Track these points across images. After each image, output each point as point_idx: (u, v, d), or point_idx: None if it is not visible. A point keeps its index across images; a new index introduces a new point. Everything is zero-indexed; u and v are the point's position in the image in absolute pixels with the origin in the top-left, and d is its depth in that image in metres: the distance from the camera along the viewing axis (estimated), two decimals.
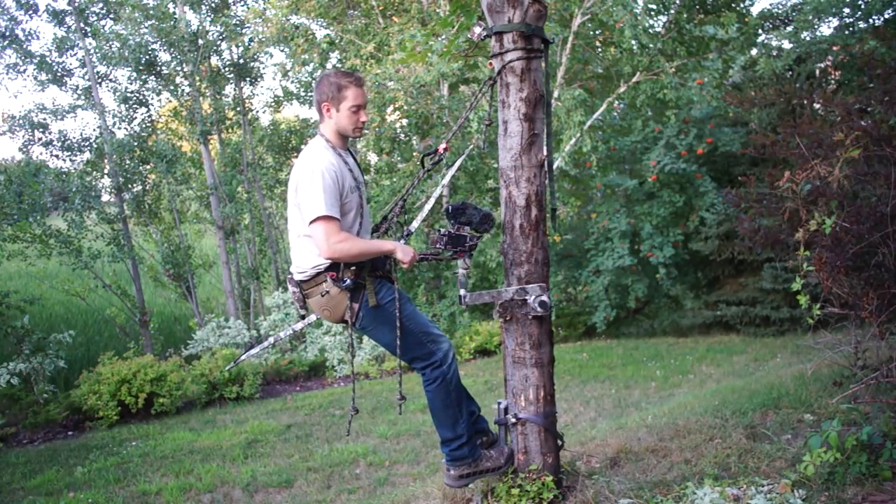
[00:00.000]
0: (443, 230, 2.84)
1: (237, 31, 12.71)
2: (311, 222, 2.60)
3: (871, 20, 9.95)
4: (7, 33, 11.72)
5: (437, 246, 2.82)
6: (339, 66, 12.91)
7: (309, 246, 2.74)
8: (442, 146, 2.96)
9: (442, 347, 2.85)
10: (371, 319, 2.79)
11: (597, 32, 10.74)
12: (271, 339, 3.21)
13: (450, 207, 2.86)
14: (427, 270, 11.37)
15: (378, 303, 2.76)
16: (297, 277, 2.82)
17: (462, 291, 2.77)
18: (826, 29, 14.90)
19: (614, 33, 9.46)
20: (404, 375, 10.75)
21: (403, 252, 2.70)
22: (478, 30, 2.88)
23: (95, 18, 12.51)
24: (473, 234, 2.87)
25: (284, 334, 3.23)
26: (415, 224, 3.22)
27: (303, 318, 3.00)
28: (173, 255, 12.98)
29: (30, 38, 12.03)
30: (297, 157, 14.95)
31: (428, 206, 3.31)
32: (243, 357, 3.34)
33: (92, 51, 12.25)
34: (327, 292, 2.74)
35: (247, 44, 13.12)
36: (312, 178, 2.61)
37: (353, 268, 2.71)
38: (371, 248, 2.71)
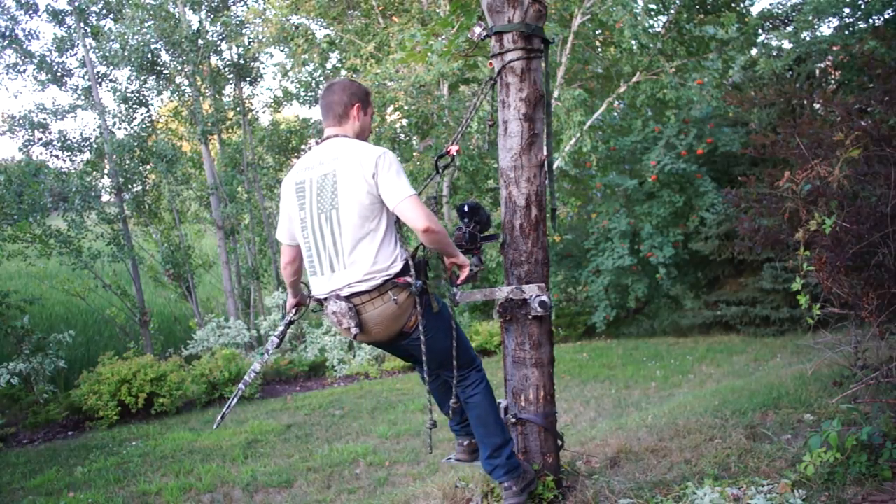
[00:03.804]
0: (463, 228, 2.83)
1: (237, 32, 12.71)
2: (404, 200, 2.43)
3: (871, 20, 9.95)
4: (7, 33, 11.71)
5: (462, 243, 2.81)
6: (339, 66, 12.91)
7: (381, 244, 2.50)
8: (454, 148, 2.92)
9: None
10: (431, 326, 2.60)
11: (597, 32, 10.74)
12: (248, 378, 2.95)
13: (465, 206, 2.85)
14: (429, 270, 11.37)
15: (438, 307, 2.65)
16: (360, 288, 2.48)
17: (453, 289, 2.73)
18: (826, 29, 14.90)
19: (614, 33, 9.47)
20: (402, 375, 10.73)
21: (464, 261, 2.64)
22: (478, 30, 2.88)
23: (95, 18, 12.51)
24: (486, 234, 2.90)
25: (249, 378, 2.96)
26: None
27: (355, 338, 2.58)
28: (173, 255, 12.98)
29: (30, 38, 12.01)
30: (297, 157, 14.92)
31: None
32: (230, 405, 3.01)
33: (92, 51, 12.25)
34: (396, 300, 2.50)
35: (247, 44, 13.12)
36: (391, 162, 2.48)
37: (415, 271, 2.57)
38: (449, 242, 2.58)
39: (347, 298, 2.48)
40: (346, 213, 2.48)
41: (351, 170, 2.48)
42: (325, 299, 2.57)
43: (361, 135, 2.71)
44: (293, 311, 2.99)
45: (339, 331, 2.66)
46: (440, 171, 3.05)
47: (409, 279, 2.51)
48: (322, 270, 2.56)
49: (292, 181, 2.65)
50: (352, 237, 2.48)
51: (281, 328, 2.94)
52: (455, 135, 3.08)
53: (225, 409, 2.96)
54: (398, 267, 2.50)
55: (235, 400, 2.97)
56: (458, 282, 2.69)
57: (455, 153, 2.91)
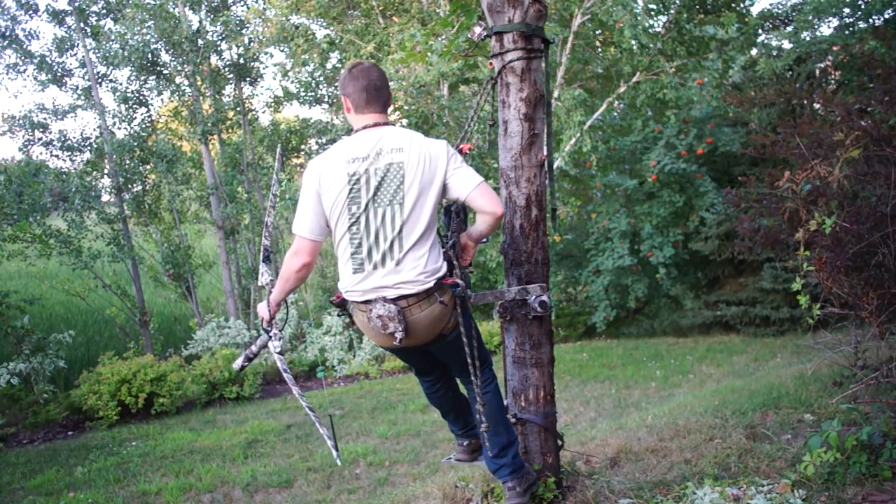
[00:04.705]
0: (458, 231, 2.79)
1: (237, 32, 12.72)
2: (478, 186, 2.41)
3: (871, 20, 9.94)
4: (7, 33, 11.71)
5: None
6: (339, 66, 12.90)
7: (433, 243, 2.43)
8: (467, 146, 2.91)
9: None
10: (463, 325, 2.55)
11: (597, 32, 10.73)
12: (290, 378, 2.81)
13: (458, 206, 2.81)
14: None
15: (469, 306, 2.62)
16: (411, 290, 2.38)
17: (468, 291, 2.73)
18: (826, 29, 14.90)
19: (614, 33, 9.46)
20: (402, 375, 10.76)
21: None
22: (478, 30, 2.88)
23: (95, 18, 12.51)
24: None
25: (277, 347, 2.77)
26: None
27: (399, 341, 2.43)
28: (173, 255, 12.98)
29: (30, 38, 12.02)
30: (297, 157, 14.81)
31: None
32: (332, 434, 2.88)
33: (92, 51, 12.25)
34: (441, 301, 2.42)
35: (247, 44, 13.13)
36: (455, 152, 2.49)
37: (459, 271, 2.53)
38: None
39: (395, 301, 2.38)
40: (414, 210, 2.37)
41: (422, 164, 2.37)
42: (368, 301, 2.42)
43: None
44: (270, 322, 2.71)
45: (373, 337, 2.52)
46: None
47: (457, 279, 2.47)
48: (371, 268, 2.40)
49: (342, 172, 2.40)
50: (414, 235, 2.37)
51: (277, 345, 2.74)
52: (463, 133, 3.08)
53: (330, 442, 2.80)
54: (445, 267, 2.47)
55: (325, 423, 2.79)
56: (464, 262, 2.65)
57: (467, 150, 2.90)
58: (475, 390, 2.63)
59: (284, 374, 2.81)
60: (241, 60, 13.55)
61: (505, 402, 2.95)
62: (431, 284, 2.39)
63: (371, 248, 2.40)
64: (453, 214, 2.79)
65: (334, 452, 2.80)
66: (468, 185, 2.41)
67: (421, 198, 2.38)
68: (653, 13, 9.31)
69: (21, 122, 11.95)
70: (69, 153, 12.44)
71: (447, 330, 2.52)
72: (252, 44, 13.06)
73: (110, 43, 12.02)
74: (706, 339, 10.75)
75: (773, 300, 10.19)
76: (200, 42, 12.44)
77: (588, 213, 12.71)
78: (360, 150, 2.41)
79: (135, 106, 12.84)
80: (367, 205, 2.39)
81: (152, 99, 13.18)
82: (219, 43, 13.19)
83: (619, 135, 12.16)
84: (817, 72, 10.79)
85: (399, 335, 2.38)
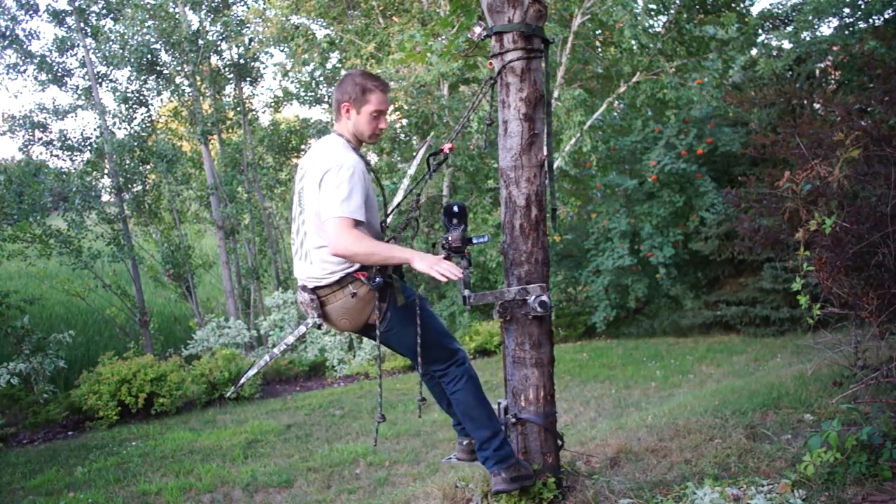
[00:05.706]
0: (457, 232, 2.74)
1: (237, 32, 12.72)
2: (328, 220, 2.41)
3: (871, 20, 9.94)
4: (7, 33, 11.73)
5: (457, 245, 2.70)
6: (339, 66, 12.91)
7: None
8: (447, 146, 2.91)
9: (460, 346, 2.83)
10: (398, 319, 2.63)
11: (597, 32, 10.74)
12: (267, 358, 2.93)
13: (455, 207, 2.76)
14: None
15: (406, 301, 2.64)
16: (320, 283, 2.59)
17: (466, 292, 2.69)
18: (826, 29, 14.90)
19: (614, 33, 9.46)
20: (402, 375, 10.74)
21: (422, 261, 2.45)
22: (478, 30, 2.88)
23: (95, 18, 12.52)
24: (478, 235, 2.87)
25: (279, 350, 2.94)
26: (388, 220, 3.06)
27: (319, 327, 2.71)
28: (173, 255, 13.00)
29: (30, 38, 12.05)
30: (297, 157, 14.91)
31: (397, 199, 3.29)
32: (243, 380, 3.04)
33: (92, 51, 12.26)
34: (354, 294, 2.56)
35: (247, 44, 13.13)
36: (339, 176, 2.43)
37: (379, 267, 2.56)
38: (385, 253, 2.44)
39: (312, 290, 2.60)
40: (308, 220, 2.59)
41: (313, 179, 2.53)
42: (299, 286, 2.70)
43: (360, 135, 2.66)
44: None
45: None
46: (431, 169, 3.03)
47: (364, 275, 2.54)
48: (297, 257, 2.68)
49: (300, 163, 2.73)
50: (315, 240, 2.57)
51: (309, 322, 2.83)
52: (452, 133, 3.07)
53: (243, 378, 2.93)
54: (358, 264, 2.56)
55: (254, 371, 2.95)
56: (438, 271, 2.58)
57: (448, 150, 2.90)
58: (420, 375, 2.81)
59: (280, 344, 2.98)
60: (241, 60, 13.56)
61: (505, 402, 2.96)
62: (336, 278, 2.56)
63: (298, 239, 2.68)
64: (457, 213, 2.76)
65: (234, 386, 2.90)
66: (322, 215, 2.47)
67: (312, 213, 2.55)
68: (653, 13, 9.31)
69: (21, 121, 11.98)
70: (69, 153, 12.47)
71: (373, 321, 2.63)
72: (252, 44, 13.06)
73: (110, 43, 12.03)
74: (706, 339, 10.75)
75: (773, 300, 10.18)
76: (200, 42, 12.45)
77: (588, 213, 12.70)
78: (310, 152, 2.68)
79: (135, 106, 12.86)
80: (297, 198, 2.67)
81: (152, 99, 13.20)
82: (219, 43, 13.19)
83: (619, 135, 12.16)
84: (817, 72, 10.79)
85: (317, 321, 2.64)
